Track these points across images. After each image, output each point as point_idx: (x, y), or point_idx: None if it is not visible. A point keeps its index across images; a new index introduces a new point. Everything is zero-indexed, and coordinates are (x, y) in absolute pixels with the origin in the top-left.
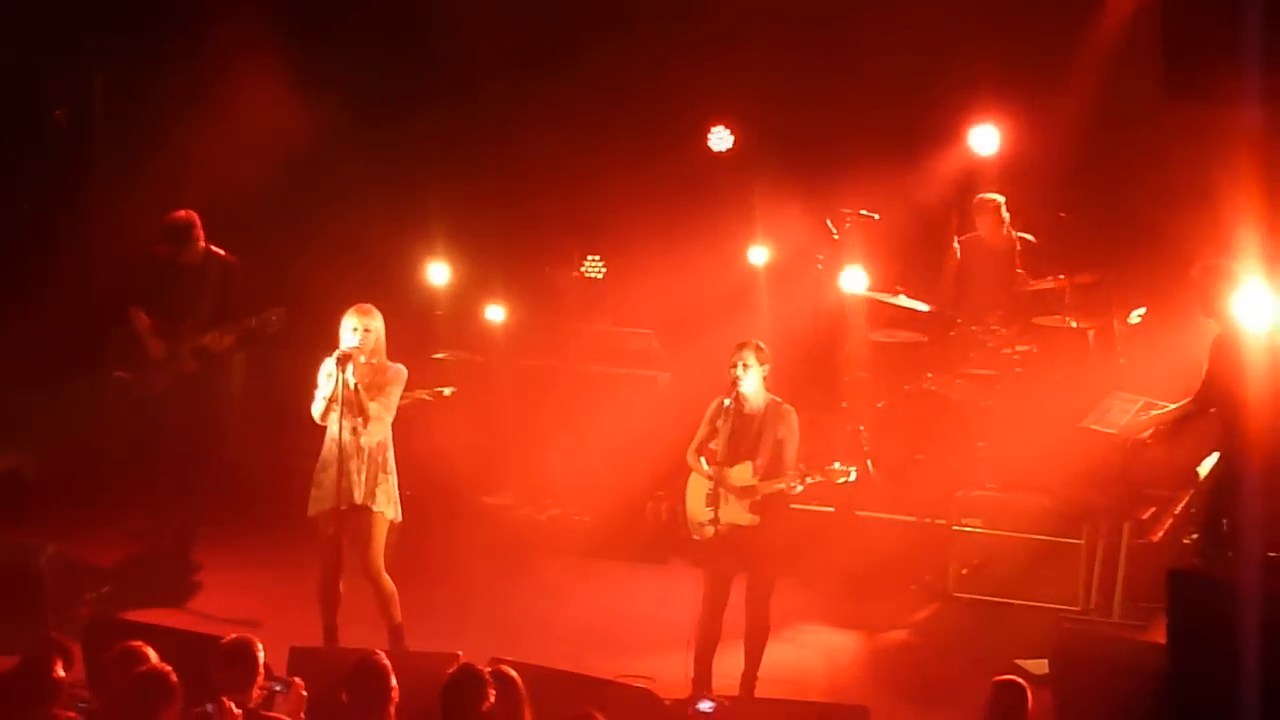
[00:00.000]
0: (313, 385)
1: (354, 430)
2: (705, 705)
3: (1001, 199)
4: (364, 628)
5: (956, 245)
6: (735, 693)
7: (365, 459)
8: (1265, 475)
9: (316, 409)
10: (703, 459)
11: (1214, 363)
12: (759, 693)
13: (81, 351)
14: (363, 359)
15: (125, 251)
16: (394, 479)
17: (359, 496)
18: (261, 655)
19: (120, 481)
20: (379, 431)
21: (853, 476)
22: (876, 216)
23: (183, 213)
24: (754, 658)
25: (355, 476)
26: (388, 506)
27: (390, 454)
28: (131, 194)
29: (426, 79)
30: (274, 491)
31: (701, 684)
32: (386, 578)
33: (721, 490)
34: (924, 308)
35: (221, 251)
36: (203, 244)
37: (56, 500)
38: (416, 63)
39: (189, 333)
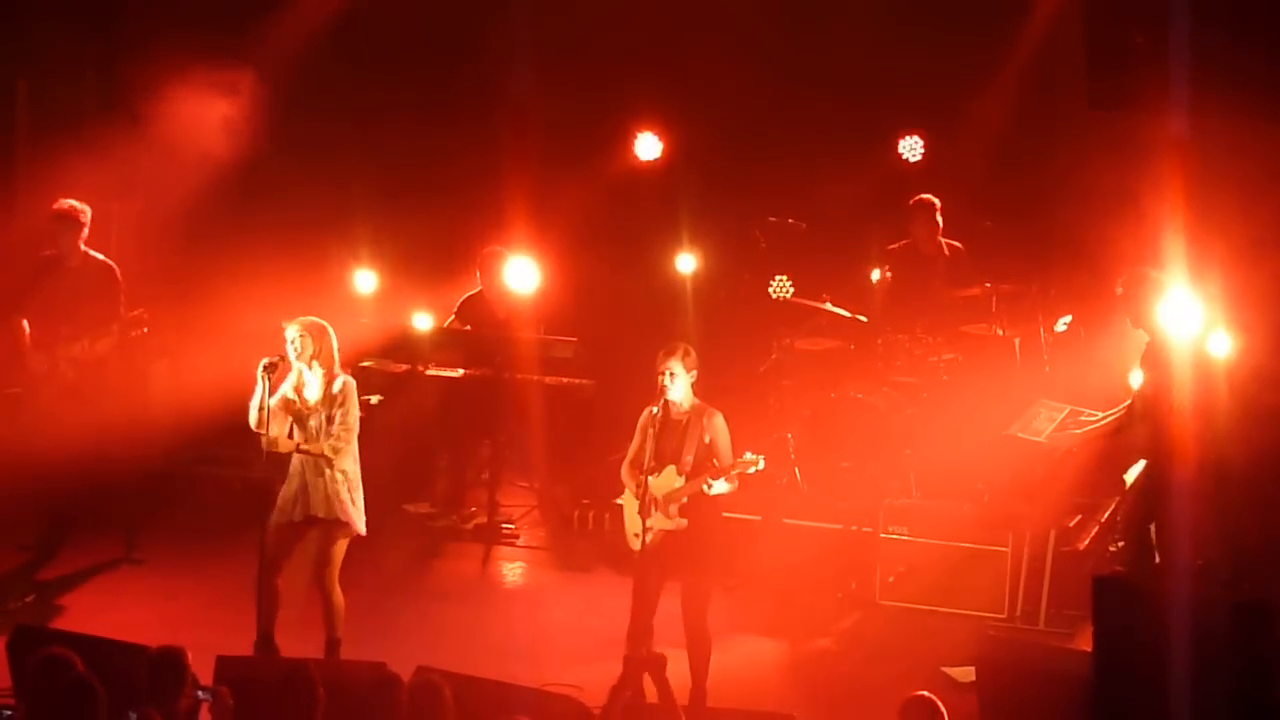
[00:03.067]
0: (244, 386)
1: (309, 442)
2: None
3: (938, 201)
4: (292, 637)
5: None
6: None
7: (323, 473)
8: (1192, 483)
9: (251, 417)
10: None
11: (1144, 373)
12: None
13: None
14: (308, 368)
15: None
16: (359, 492)
17: (317, 509)
18: (190, 665)
19: (30, 490)
20: (344, 446)
21: (761, 465)
22: (804, 225)
23: (70, 203)
24: (699, 670)
25: (312, 492)
26: (352, 519)
27: (353, 467)
28: (56, 201)
29: (353, 86)
30: (204, 499)
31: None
32: (339, 591)
33: (650, 498)
34: (852, 315)
35: (100, 256)
36: (83, 243)
37: None
38: (343, 69)
39: (63, 341)
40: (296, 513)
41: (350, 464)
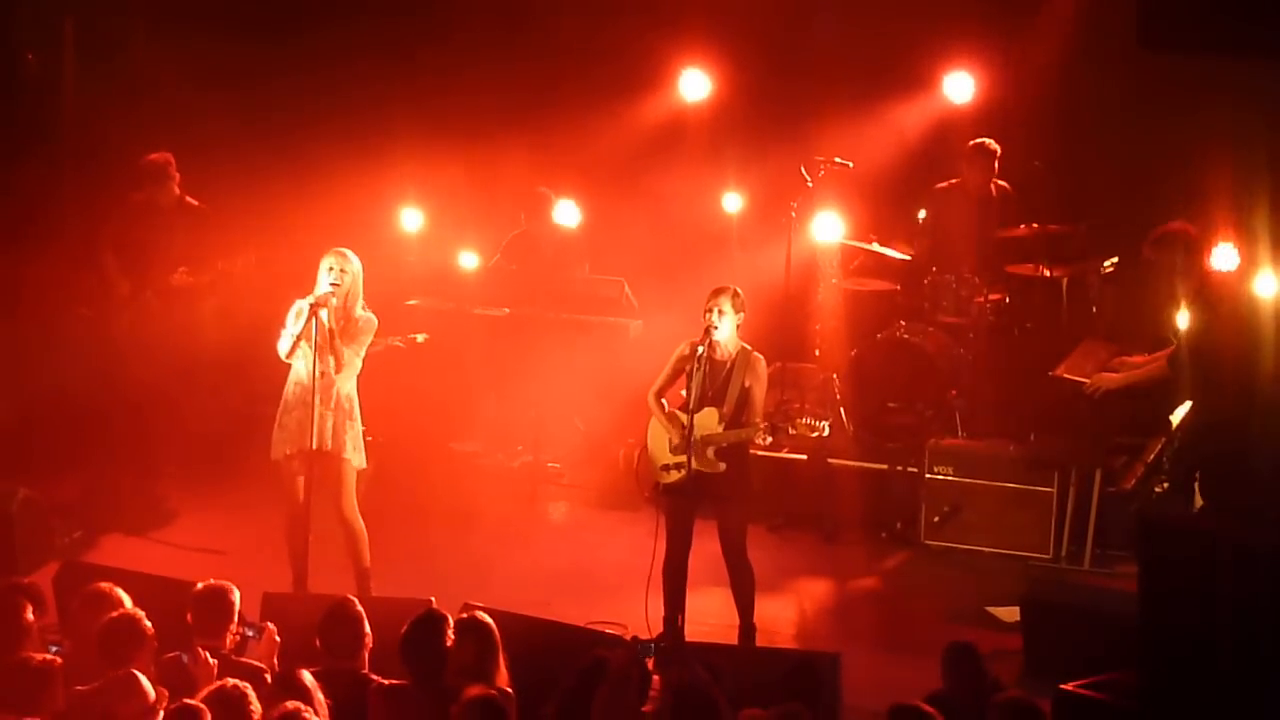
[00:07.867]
0: (280, 326)
1: (324, 374)
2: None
3: (998, 148)
4: (334, 573)
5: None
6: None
7: (333, 405)
8: (1241, 423)
9: (283, 346)
10: (664, 402)
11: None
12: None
13: (50, 296)
14: (335, 302)
15: (97, 195)
16: (359, 427)
17: (327, 442)
18: (237, 601)
19: (85, 424)
20: (348, 379)
21: (826, 431)
22: (851, 164)
23: (159, 154)
24: (746, 608)
25: (323, 422)
26: (354, 454)
27: (356, 403)
28: (103, 138)
29: (396, 25)
30: (242, 436)
31: (670, 629)
32: (359, 521)
33: (690, 437)
34: (900, 255)
35: (195, 201)
36: (177, 188)
37: (25, 444)
38: (386, 8)
39: (157, 275)
40: (306, 444)
41: (355, 402)
